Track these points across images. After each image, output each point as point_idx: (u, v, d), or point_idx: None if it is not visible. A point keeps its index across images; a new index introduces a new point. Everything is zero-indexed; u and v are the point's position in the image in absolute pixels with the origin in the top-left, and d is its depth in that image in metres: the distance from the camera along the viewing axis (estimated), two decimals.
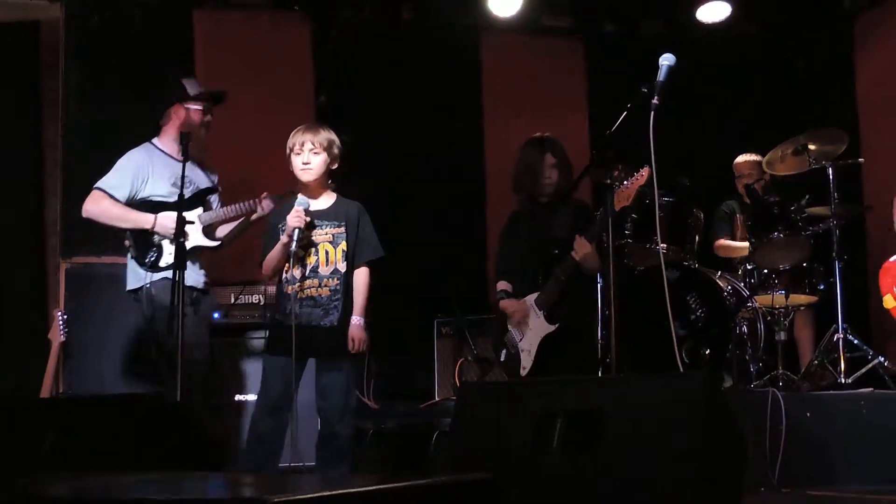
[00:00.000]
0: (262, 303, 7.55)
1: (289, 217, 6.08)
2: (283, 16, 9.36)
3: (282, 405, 6.05)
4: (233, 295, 7.60)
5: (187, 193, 6.38)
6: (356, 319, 6.14)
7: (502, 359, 6.73)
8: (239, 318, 7.60)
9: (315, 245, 6.16)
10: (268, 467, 6.02)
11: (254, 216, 6.60)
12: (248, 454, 6.13)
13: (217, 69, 8.87)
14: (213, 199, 6.78)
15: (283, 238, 6.06)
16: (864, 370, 7.37)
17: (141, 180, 6.55)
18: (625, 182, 6.04)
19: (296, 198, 6.16)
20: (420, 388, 8.60)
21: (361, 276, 6.23)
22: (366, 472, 6.98)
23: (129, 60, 8.49)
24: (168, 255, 6.40)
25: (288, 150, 6.23)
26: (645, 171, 5.96)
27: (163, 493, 3.01)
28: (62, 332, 7.11)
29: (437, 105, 9.64)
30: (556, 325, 6.48)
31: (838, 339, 7.40)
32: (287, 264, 6.09)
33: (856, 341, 7.48)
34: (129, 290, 6.54)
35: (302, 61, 9.33)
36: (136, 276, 6.49)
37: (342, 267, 6.16)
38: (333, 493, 2.85)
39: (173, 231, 6.17)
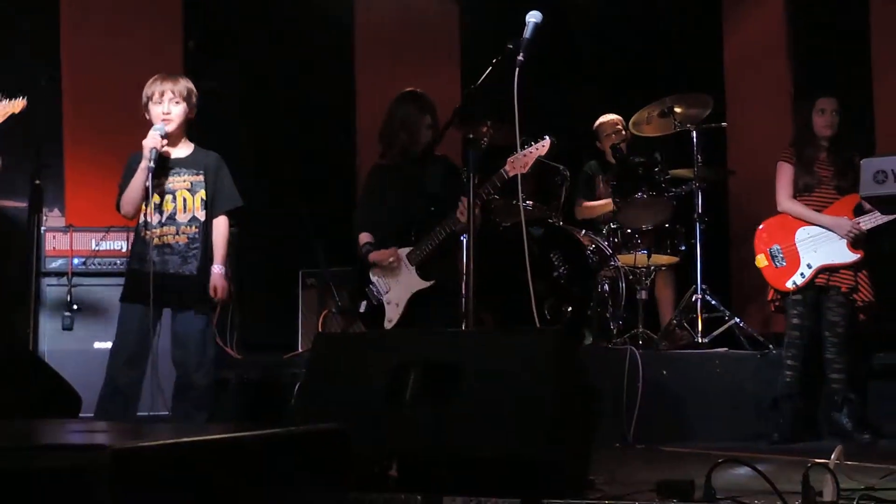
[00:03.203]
0: (124, 249, 7.44)
1: (144, 140, 5.96)
2: None
3: (139, 355, 5.97)
4: (94, 240, 7.49)
5: None
6: (217, 268, 6.09)
7: (362, 310, 6.72)
8: (100, 266, 7.48)
9: (173, 192, 6.08)
10: (125, 417, 5.95)
11: None
12: (103, 405, 6.01)
13: (81, 13, 8.73)
14: None
15: (143, 162, 5.94)
16: (720, 330, 7.53)
17: None
18: (523, 150, 6.05)
19: None
20: (283, 339, 8.58)
21: (221, 226, 6.17)
22: (224, 422, 6.93)
23: None
24: None
25: (145, 99, 6.11)
26: (546, 142, 5.98)
27: (11, 440, 2.96)
28: None
29: (308, 56, 9.58)
30: (430, 283, 6.50)
31: (697, 299, 7.55)
32: (144, 206, 5.99)
33: (713, 302, 7.63)
34: None
35: (171, 5, 9.18)
36: None
37: (201, 215, 6.09)
38: (179, 440, 2.84)
39: None
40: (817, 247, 6.75)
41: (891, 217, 6.61)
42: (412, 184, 6.69)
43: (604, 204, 8.20)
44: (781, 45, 9.18)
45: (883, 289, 6.91)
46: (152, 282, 5.80)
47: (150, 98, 6.09)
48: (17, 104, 6.52)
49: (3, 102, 6.48)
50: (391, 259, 6.55)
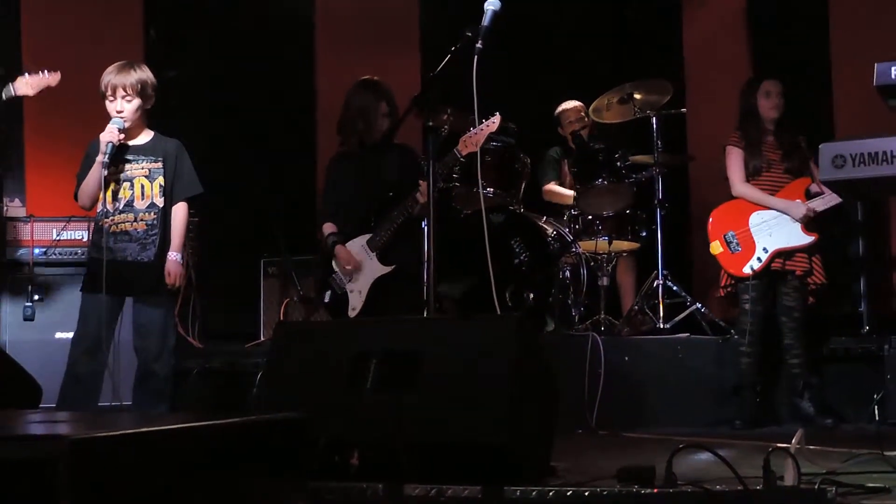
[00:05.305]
0: (85, 239, 7.41)
1: (102, 134, 5.95)
2: None
3: (99, 345, 5.92)
4: (55, 230, 7.46)
5: None
6: (172, 255, 6.05)
7: (326, 300, 6.72)
8: (61, 256, 7.46)
9: (130, 179, 6.05)
10: (86, 407, 5.92)
11: None
12: (64, 395, 5.98)
13: (42, 1, 8.68)
14: None
15: (99, 156, 5.93)
16: (681, 316, 7.55)
17: None
18: (472, 129, 6.08)
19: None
20: (246, 328, 8.57)
21: (179, 213, 6.14)
22: (186, 411, 6.92)
23: None
24: None
25: (101, 92, 6.08)
26: (496, 118, 6.01)
27: None
28: None
29: (268, 42, 9.55)
30: (391, 268, 6.51)
31: (658, 285, 7.57)
32: (101, 195, 5.96)
33: (675, 288, 7.66)
34: None
35: None
36: None
37: (159, 202, 6.06)
38: (139, 430, 2.84)
39: None
40: (772, 230, 6.78)
41: (841, 199, 6.68)
42: (370, 172, 6.69)
43: (571, 195, 8.17)
44: (741, 30, 9.21)
45: (834, 272, 6.97)
46: (109, 270, 5.76)
47: (104, 92, 6.05)
48: (53, 78, 6.60)
49: (40, 75, 6.56)
50: (349, 267, 6.56)
